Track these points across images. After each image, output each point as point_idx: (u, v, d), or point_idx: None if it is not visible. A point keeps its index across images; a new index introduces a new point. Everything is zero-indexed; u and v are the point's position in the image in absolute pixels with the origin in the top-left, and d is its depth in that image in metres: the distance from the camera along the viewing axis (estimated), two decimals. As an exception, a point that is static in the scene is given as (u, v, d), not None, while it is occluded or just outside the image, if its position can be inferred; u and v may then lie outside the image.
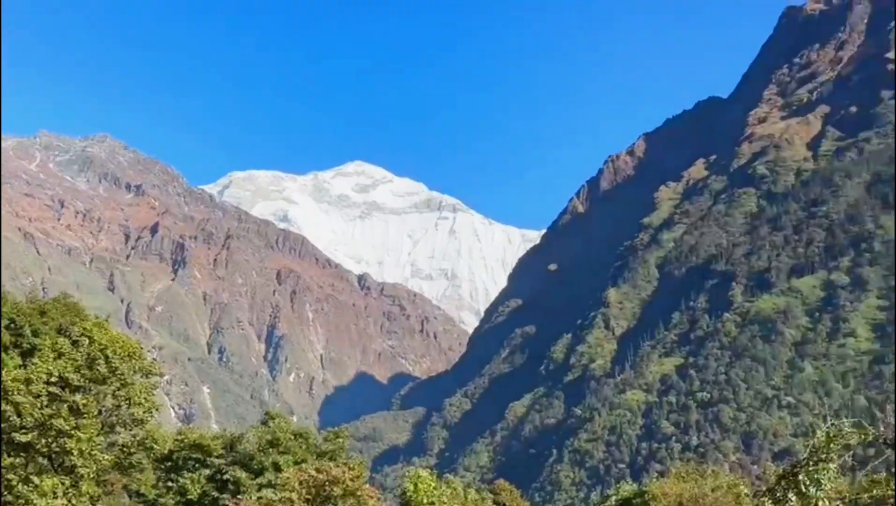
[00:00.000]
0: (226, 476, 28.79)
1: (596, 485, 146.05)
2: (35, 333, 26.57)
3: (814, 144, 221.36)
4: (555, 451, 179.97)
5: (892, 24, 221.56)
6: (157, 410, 24.92)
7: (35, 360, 21.95)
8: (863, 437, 8.18)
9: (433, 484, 24.54)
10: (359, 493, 23.16)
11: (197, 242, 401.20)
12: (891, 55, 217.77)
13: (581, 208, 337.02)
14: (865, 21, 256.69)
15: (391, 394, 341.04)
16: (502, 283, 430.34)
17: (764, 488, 9.15)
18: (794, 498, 8.00)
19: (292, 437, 31.46)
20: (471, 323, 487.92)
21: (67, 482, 20.61)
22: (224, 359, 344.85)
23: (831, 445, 8.03)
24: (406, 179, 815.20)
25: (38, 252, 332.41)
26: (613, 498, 32.27)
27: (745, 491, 21.47)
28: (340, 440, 33.41)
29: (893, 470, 7.63)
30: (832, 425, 8.21)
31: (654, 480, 35.65)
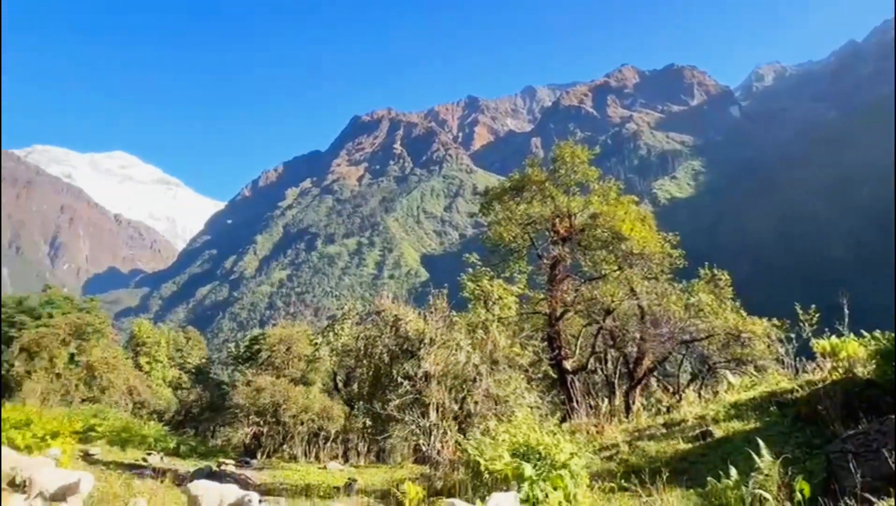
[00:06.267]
0: (14, 319, 44.43)
1: (241, 331, 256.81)
2: None
3: (359, 180, 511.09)
4: (221, 312, 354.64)
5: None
6: None
7: None
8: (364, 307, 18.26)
9: (150, 328, 58.32)
10: (104, 330, 45.17)
11: (4, 183, 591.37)
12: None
13: (248, 193, 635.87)
14: (386, 130, 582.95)
15: (129, 280, 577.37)
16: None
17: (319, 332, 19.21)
18: (331, 335, 17.18)
19: (63, 298, 52.61)
20: (181, 246, 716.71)
21: None
22: (20, 255, 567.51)
23: (348, 313, 17.40)
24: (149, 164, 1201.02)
25: None
26: (249, 337, 53.50)
27: (311, 332, 36.00)
28: (95, 303, 55.47)
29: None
30: (351, 304, 18.21)
31: (269, 328, 58.15)
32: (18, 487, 7.83)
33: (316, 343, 22.15)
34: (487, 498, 8.78)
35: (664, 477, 8.80)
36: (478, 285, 24.13)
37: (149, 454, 20.35)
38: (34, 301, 50.81)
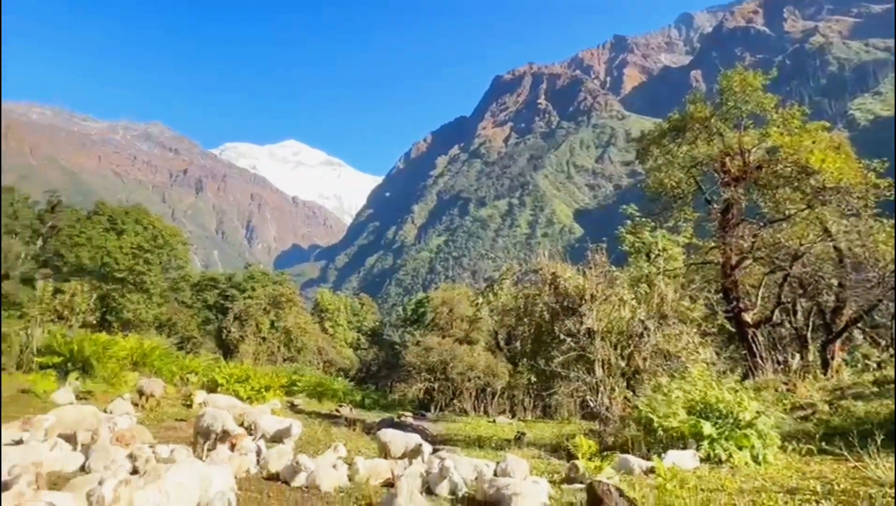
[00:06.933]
0: (227, 292, 56.48)
1: (407, 295, 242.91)
2: (123, 222, 48.05)
3: (506, 140, 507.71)
4: (387, 279, 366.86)
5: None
6: (189, 262, 56.37)
7: (124, 236, 46.49)
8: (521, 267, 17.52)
9: (330, 296, 67.81)
10: (294, 299, 51.82)
11: (207, 178, 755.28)
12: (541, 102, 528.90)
13: (401, 166, 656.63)
14: (529, 85, 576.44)
15: (309, 255, 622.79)
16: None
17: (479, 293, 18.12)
18: (490, 295, 16.87)
19: (261, 274, 62.48)
20: (348, 220, 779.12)
21: (143, 296, 44.71)
22: (225, 239, 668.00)
23: (505, 273, 17.01)
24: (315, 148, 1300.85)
25: (122, 182, 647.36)
26: (414, 301, 60.27)
27: (471, 294, 37.17)
28: (285, 277, 67.66)
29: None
30: (508, 264, 17.17)
31: (432, 291, 61.30)
32: (247, 429, 9.42)
33: (476, 304, 22.93)
34: (663, 455, 8.50)
35: (878, 441, 7.66)
36: (638, 238, 22.86)
37: (340, 406, 23.04)
38: (240, 277, 59.92)
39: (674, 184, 22.01)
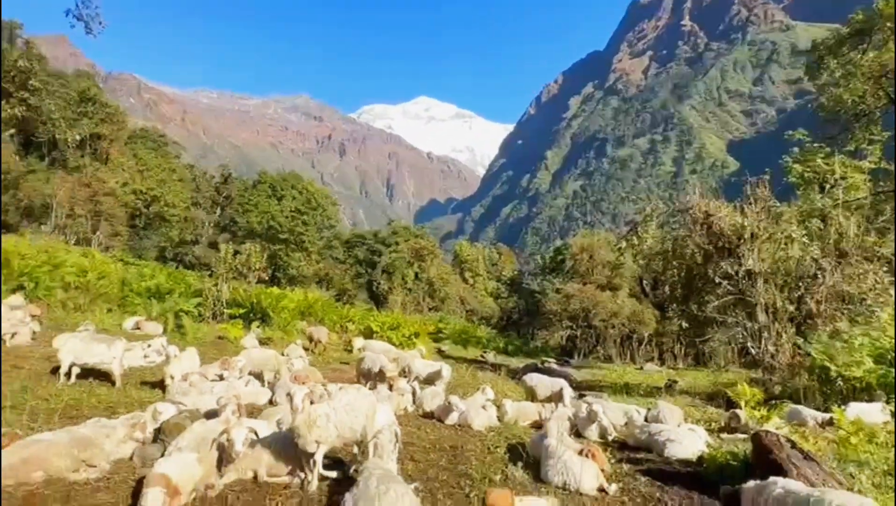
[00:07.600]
0: (374, 247, 57.77)
1: (544, 244, 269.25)
2: (282, 189, 53.35)
3: (645, 72, 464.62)
4: (523, 228, 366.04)
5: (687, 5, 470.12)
6: (339, 221, 62.34)
7: (284, 201, 52.08)
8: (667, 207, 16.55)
9: (469, 247, 69.16)
10: (435, 252, 54.44)
11: (349, 142, 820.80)
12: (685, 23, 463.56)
13: (532, 111, 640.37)
14: (670, 7, 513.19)
15: (447, 208, 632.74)
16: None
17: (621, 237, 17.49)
18: (634, 239, 16.32)
19: (403, 229, 63.63)
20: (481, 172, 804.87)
21: (303, 254, 50.08)
22: (368, 197, 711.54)
23: (650, 215, 16.35)
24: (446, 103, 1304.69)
25: (278, 151, 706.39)
26: (552, 249, 62.64)
27: (612, 239, 37.23)
28: (425, 231, 69.74)
29: None
30: (653, 206, 16.97)
31: (571, 238, 62.13)
32: (402, 372, 10.19)
33: (619, 249, 22.00)
34: (843, 407, 7.66)
35: None
36: (808, 166, 20.05)
37: (485, 352, 23.90)
38: (384, 233, 63.67)
39: (856, 99, 18.84)
